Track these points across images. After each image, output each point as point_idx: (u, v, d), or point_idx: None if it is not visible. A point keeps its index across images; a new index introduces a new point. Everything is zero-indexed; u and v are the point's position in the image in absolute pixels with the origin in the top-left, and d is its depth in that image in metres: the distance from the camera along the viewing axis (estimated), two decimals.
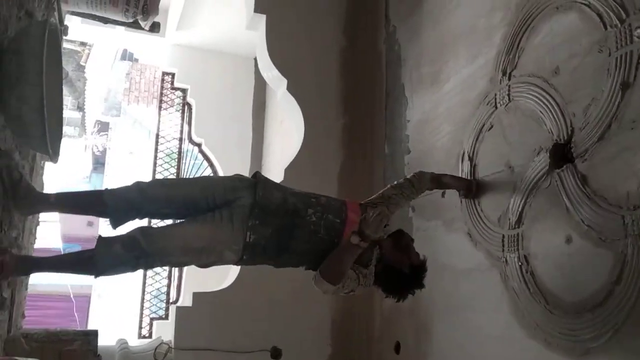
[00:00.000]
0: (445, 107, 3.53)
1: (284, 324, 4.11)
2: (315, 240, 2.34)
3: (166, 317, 6.37)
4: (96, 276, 2.24)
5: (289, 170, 4.40)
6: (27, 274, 2.39)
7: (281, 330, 4.11)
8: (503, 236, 2.88)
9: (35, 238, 3.77)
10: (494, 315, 2.91)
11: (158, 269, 6.49)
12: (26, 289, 3.64)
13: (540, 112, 2.68)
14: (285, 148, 5.47)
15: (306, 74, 4.50)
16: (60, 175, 10.51)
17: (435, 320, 3.42)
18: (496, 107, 3.01)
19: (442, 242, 3.39)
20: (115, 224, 2.34)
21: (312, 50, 4.56)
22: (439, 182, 3.02)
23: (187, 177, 4.94)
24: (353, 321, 4.28)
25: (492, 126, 3.05)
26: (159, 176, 6.90)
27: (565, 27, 2.60)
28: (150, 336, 6.34)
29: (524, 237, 2.75)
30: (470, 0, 3.35)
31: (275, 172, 5.70)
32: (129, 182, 2.41)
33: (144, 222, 2.55)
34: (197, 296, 4.17)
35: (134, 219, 2.35)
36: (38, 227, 3.86)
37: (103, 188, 2.79)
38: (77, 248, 13.58)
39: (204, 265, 2.33)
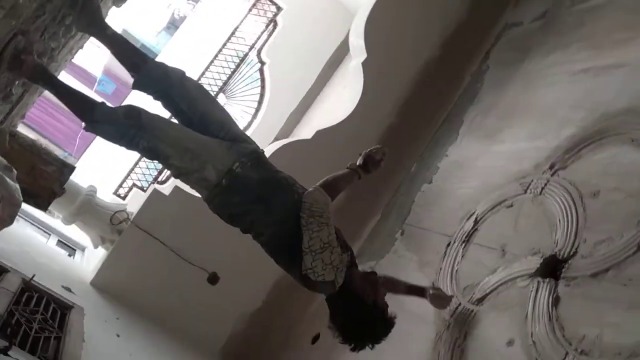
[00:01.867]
0: (484, 164, 3.49)
1: (235, 259, 4.13)
2: (294, 210, 2.26)
3: (145, 191, 6.47)
4: (86, 123, 2.27)
5: (319, 133, 4.40)
6: (36, 83, 2.43)
7: (229, 263, 4.16)
8: (459, 304, 2.89)
9: (72, 57, 3.82)
10: None
11: None
12: (39, 95, 3.71)
13: (559, 219, 2.65)
14: (332, 113, 5.45)
15: (386, 60, 4.44)
16: (131, 20, 10.59)
17: None
18: (525, 192, 2.97)
19: (406, 275, 3.38)
20: (136, 84, 2.37)
21: (405, 42, 4.48)
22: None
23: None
24: (291, 297, 4.19)
25: (511, 205, 3.01)
26: (212, 68, 6.96)
27: (628, 160, 2.54)
28: (123, 198, 6.47)
29: (475, 316, 2.75)
30: (566, 86, 3.26)
31: (309, 127, 5.70)
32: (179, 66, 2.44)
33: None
34: (177, 190, 4.21)
35: (154, 91, 2.37)
36: (80, 51, 3.92)
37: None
38: (111, 87, 13.78)
39: (182, 170, 2.29)
